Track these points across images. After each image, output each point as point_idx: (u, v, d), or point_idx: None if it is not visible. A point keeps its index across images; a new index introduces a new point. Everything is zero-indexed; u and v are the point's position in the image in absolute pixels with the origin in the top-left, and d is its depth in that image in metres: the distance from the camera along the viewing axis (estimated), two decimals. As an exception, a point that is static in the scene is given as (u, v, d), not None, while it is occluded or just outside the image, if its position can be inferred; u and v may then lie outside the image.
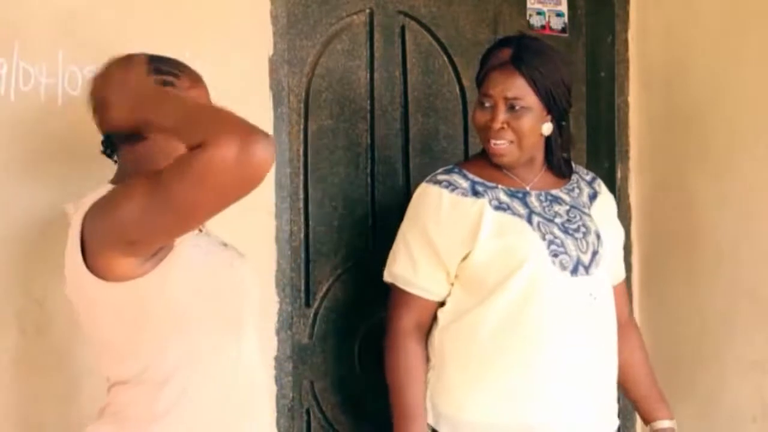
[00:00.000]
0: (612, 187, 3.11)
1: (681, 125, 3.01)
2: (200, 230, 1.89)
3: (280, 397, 2.55)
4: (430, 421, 2.28)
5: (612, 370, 2.37)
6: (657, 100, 3.09)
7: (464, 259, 2.26)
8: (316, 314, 2.66)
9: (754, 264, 2.80)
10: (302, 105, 2.65)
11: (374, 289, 2.56)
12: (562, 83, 2.29)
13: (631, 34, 3.13)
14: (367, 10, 2.76)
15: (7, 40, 2.13)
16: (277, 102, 2.54)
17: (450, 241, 2.26)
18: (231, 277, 1.88)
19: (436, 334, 2.31)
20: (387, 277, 2.35)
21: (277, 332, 2.53)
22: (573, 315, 2.26)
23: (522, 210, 2.29)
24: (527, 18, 3.03)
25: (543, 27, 3.06)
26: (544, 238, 2.26)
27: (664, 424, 2.50)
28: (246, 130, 1.56)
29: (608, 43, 3.13)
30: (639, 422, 3.09)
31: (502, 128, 2.26)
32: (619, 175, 3.11)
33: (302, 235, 2.64)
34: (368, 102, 2.76)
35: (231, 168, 1.55)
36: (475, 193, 2.28)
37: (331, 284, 2.69)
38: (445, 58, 2.87)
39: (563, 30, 3.10)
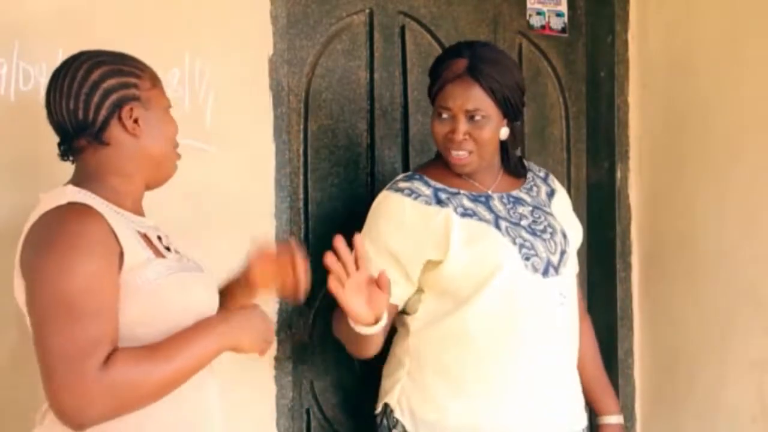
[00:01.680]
0: (612, 186, 3.12)
1: (681, 125, 3.01)
2: (161, 254, 1.82)
3: (280, 396, 2.55)
4: (409, 427, 2.28)
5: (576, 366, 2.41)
6: (657, 100, 3.09)
7: (434, 267, 2.25)
8: (316, 314, 2.66)
9: (753, 264, 2.80)
10: (302, 105, 2.65)
11: (374, 289, 2.55)
12: (517, 88, 2.30)
13: (631, 34, 3.13)
14: (367, 10, 2.76)
15: (6, 40, 2.13)
16: (277, 102, 2.54)
17: (412, 247, 2.26)
18: (190, 302, 1.81)
19: (410, 339, 2.31)
20: None
21: (277, 332, 2.53)
22: (547, 315, 2.28)
23: (488, 215, 2.30)
24: (527, 18, 3.03)
25: (543, 27, 3.06)
26: (514, 243, 2.27)
27: (611, 419, 2.54)
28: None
29: (608, 43, 3.13)
30: (639, 421, 3.10)
31: (464, 139, 2.26)
32: (618, 175, 3.11)
33: (302, 236, 2.64)
34: (368, 102, 2.76)
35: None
36: (439, 201, 2.28)
37: (331, 284, 2.68)
38: (445, 58, 2.87)
39: (563, 30, 3.10)
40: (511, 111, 2.30)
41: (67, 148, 1.85)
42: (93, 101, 1.79)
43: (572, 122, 3.14)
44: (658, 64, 3.08)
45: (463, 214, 2.27)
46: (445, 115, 2.28)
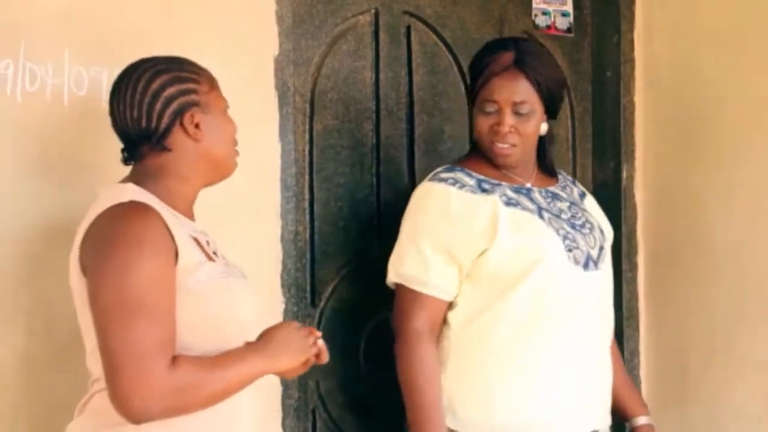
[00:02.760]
0: (617, 186, 3.12)
1: (687, 124, 3.01)
2: (211, 258, 1.86)
3: (285, 397, 2.55)
4: (454, 427, 2.24)
5: (609, 365, 2.40)
6: (663, 100, 3.08)
7: (479, 256, 2.24)
8: (321, 314, 2.66)
9: (760, 263, 2.80)
10: (308, 105, 2.65)
11: (380, 290, 2.55)
12: (560, 83, 2.33)
13: (637, 34, 3.13)
14: (373, 10, 2.76)
15: (13, 41, 2.14)
16: (282, 102, 2.54)
17: (464, 238, 2.23)
18: (235, 308, 1.84)
19: (451, 337, 2.28)
20: (395, 278, 2.29)
21: (283, 332, 2.53)
22: (587, 308, 2.27)
23: (531, 205, 2.29)
24: (532, 18, 3.03)
25: (548, 27, 3.05)
26: (558, 233, 2.26)
27: (644, 419, 2.49)
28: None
29: (614, 43, 3.12)
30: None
31: (510, 131, 2.26)
32: (624, 174, 3.10)
33: (308, 236, 2.64)
34: (373, 102, 2.76)
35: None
36: (484, 190, 2.27)
37: (336, 284, 2.69)
38: (451, 58, 2.87)
39: (569, 30, 3.09)
40: (552, 106, 2.30)
41: (130, 154, 1.89)
42: (155, 110, 1.84)
43: (578, 122, 3.14)
44: (663, 64, 3.08)
45: (507, 203, 2.26)
46: (490, 108, 2.26)
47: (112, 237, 1.72)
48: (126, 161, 1.90)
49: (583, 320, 2.27)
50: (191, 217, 1.91)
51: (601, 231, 2.37)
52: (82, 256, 1.77)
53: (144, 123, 1.84)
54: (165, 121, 1.84)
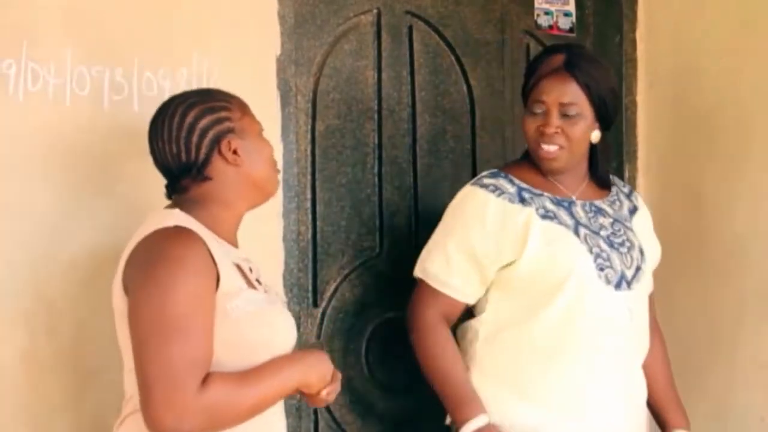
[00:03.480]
0: (620, 186, 3.11)
1: (689, 124, 3.00)
2: (253, 285, 1.90)
3: (287, 396, 2.54)
4: None
5: (644, 384, 2.38)
6: (665, 100, 3.08)
7: (507, 266, 2.23)
8: (323, 314, 2.66)
9: (763, 263, 2.79)
10: (310, 105, 2.65)
11: (382, 289, 2.56)
12: (613, 92, 2.30)
13: (639, 34, 3.13)
14: (375, 10, 2.76)
15: (15, 40, 2.13)
16: (284, 102, 2.54)
17: (493, 247, 2.23)
18: (272, 336, 1.88)
19: (477, 345, 2.28)
20: (419, 273, 2.32)
21: (285, 332, 2.53)
22: (615, 329, 2.25)
23: (569, 220, 2.27)
24: (535, 18, 3.03)
25: (551, 27, 3.05)
26: (591, 251, 2.24)
27: None
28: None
29: (616, 43, 3.12)
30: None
31: (556, 133, 2.24)
32: (626, 174, 3.10)
33: (310, 236, 2.64)
34: (376, 102, 2.76)
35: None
36: (522, 200, 2.25)
37: (338, 284, 2.69)
38: (453, 58, 2.87)
39: (571, 30, 3.09)
40: (604, 114, 2.28)
41: (173, 188, 1.93)
42: (192, 142, 1.88)
43: (580, 122, 3.13)
44: (665, 64, 3.08)
45: (544, 216, 2.24)
46: (538, 110, 2.25)
47: (154, 259, 1.76)
48: (169, 196, 1.94)
49: (613, 341, 2.24)
50: (235, 243, 1.94)
51: (641, 251, 2.33)
52: (125, 277, 1.81)
53: (184, 157, 1.88)
54: (203, 151, 1.88)
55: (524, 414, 2.22)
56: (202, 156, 1.88)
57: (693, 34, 3.01)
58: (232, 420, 1.76)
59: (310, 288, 2.64)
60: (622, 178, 3.10)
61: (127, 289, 1.80)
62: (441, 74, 2.86)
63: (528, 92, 2.29)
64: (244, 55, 2.45)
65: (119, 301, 1.82)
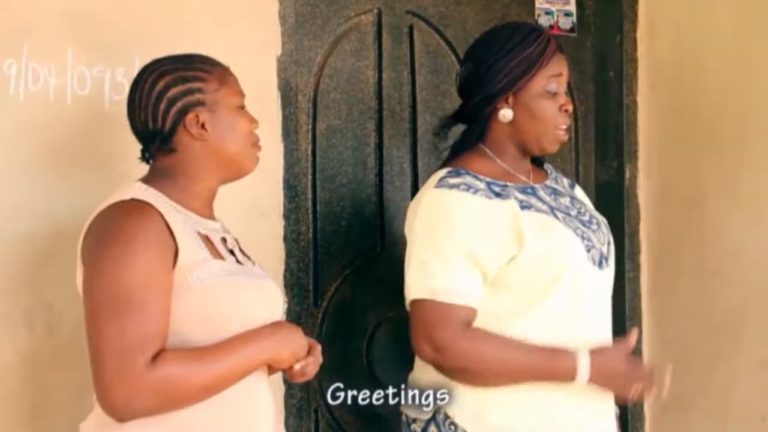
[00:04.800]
0: (620, 186, 3.12)
1: (690, 124, 3.01)
2: (221, 256, 1.84)
3: (288, 396, 2.55)
4: (467, 426, 2.14)
5: None
6: (665, 100, 3.08)
7: (507, 263, 2.13)
8: (324, 314, 2.66)
9: (763, 263, 2.79)
10: (310, 105, 2.65)
11: (382, 290, 2.56)
12: None
13: (640, 34, 3.13)
14: (375, 10, 2.77)
15: (16, 40, 2.14)
16: (285, 102, 2.54)
17: (489, 245, 2.11)
18: (241, 305, 1.82)
19: None
20: (423, 294, 2.10)
21: (286, 332, 2.53)
22: (602, 308, 2.23)
23: (543, 206, 2.19)
24: (536, 18, 3.03)
25: (551, 26, 3.05)
26: (576, 233, 2.18)
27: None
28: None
29: (617, 43, 3.12)
30: (648, 421, 3.09)
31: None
32: (627, 174, 3.10)
33: (310, 236, 2.64)
34: (376, 102, 2.76)
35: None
36: (497, 194, 2.16)
37: (339, 284, 2.69)
38: (453, 58, 2.87)
39: (572, 29, 3.09)
40: None
41: (146, 154, 1.91)
42: (159, 111, 1.84)
43: (581, 122, 3.13)
44: (666, 64, 3.08)
45: (522, 207, 2.15)
46: (554, 88, 2.16)
47: (105, 234, 1.74)
48: (146, 161, 1.92)
49: (600, 320, 2.22)
50: (208, 214, 1.90)
51: (606, 226, 2.30)
52: (83, 250, 1.79)
53: (151, 125, 1.85)
54: (169, 122, 1.84)
55: (522, 406, 2.18)
56: (167, 126, 1.84)
57: (694, 34, 3.01)
58: (187, 397, 1.71)
59: (311, 288, 2.64)
60: (622, 178, 3.11)
61: (84, 262, 1.77)
62: (442, 74, 2.86)
63: (535, 71, 2.16)
64: (244, 55, 2.43)
65: (79, 275, 1.80)
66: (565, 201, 2.28)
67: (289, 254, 2.54)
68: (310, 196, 2.65)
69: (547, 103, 2.18)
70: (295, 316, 2.56)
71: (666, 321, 2.85)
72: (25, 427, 2.14)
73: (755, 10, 2.84)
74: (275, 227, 2.52)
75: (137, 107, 1.87)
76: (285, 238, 2.54)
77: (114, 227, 1.74)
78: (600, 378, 2.12)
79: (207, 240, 1.84)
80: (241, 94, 1.93)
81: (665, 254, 3.06)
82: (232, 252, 1.89)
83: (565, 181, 2.38)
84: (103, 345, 1.67)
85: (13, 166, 2.14)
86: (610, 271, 2.26)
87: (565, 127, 2.21)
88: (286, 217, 2.54)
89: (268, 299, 1.89)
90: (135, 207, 1.76)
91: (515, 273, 2.14)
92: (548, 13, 3.05)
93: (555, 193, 2.27)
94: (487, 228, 2.12)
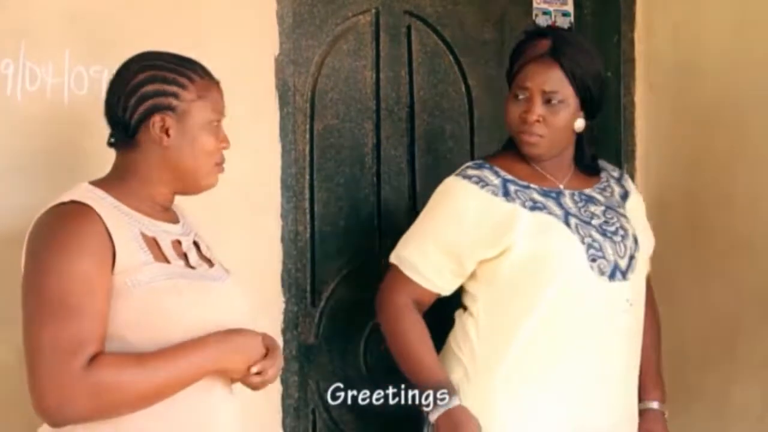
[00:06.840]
0: (618, 186, 3.11)
1: (687, 125, 3.01)
2: (166, 259, 1.81)
3: (285, 396, 2.55)
4: None
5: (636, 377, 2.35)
6: (663, 100, 3.08)
7: (492, 259, 2.20)
8: (321, 314, 2.66)
9: (761, 264, 2.79)
10: (308, 105, 2.65)
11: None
12: (599, 78, 2.25)
13: (638, 34, 3.13)
14: (373, 10, 2.76)
15: (13, 40, 2.14)
16: (282, 102, 2.54)
17: (469, 241, 2.20)
18: (183, 309, 1.77)
19: (470, 341, 2.25)
20: (393, 258, 2.31)
21: (283, 332, 2.53)
22: (610, 321, 2.22)
23: (558, 211, 2.22)
24: (533, 17, 3.03)
25: (549, 27, 3.05)
26: (582, 242, 2.19)
27: (653, 405, 2.42)
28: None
29: (614, 43, 3.12)
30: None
31: (537, 121, 2.20)
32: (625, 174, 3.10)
33: (308, 235, 2.64)
34: (374, 102, 2.76)
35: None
36: (506, 194, 2.21)
37: (336, 284, 2.69)
38: (451, 58, 2.87)
39: (569, 29, 3.09)
40: (589, 101, 2.23)
41: (111, 140, 1.89)
42: (130, 103, 1.83)
43: (578, 122, 3.13)
44: (664, 64, 3.08)
45: (533, 208, 2.20)
46: (521, 96, 2.21)
47: (40, 238, 1.74)
48: (111, 146, 1.89)
49: (607, 333, 2.21)
50: (164, 216, 1.87)
51: (635, 240, 2.29)
52: (24, 251, 1.78)
53: (119, 112, 1.84)
54: (135, 117, 1.82)
55: (516, 411, 2.20)
56: (133, 120, 1.82)
57: (691, 34, 3.01)
58: (124, 403, 1.67)
59: (309, 288, 2.64)
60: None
61: (23, 265, 1.77)
62: (439, 74, 2.86)
63: (512, 78, 2.25)
64: (242, 55, 2.44)
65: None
66: (596, 210, 2.27)
67: (286, 254, 2.54)
68: (307, 196, 2.64)
69: (512, 105, 2.24)
70: (293, 316, 2.56)
71: (664, 321, 2.84)
72: (24, 427, 2.13)
73: (753, 11, 2.84)
74: (273, 227, 2.52)
75: (110, 91, 1.86)
76: (283, 239, 2.54)
77: (49, 231, 1.73)
78: None
79: (153, 242, 1.81)
80: (220, 113, 1.89)
81: (663, 254, 3.05)
82: (186, 255, 1.86)
83: (617, 192, 2.36)
84: (37, 349, 1.66)
85: (11, 165, 2.14)
86: (628, 285, 2.23)
87: (529, 137, 2.22)
88: (283, 217, 2.54)
89: (223, 303, 1.84)
90: (73, 210, 1.75)
91: (503, 271, 2.20)
92: (546, 13, 3.05)
93: (588, 200, 2.28)
94: (475, 224, 2.20)
